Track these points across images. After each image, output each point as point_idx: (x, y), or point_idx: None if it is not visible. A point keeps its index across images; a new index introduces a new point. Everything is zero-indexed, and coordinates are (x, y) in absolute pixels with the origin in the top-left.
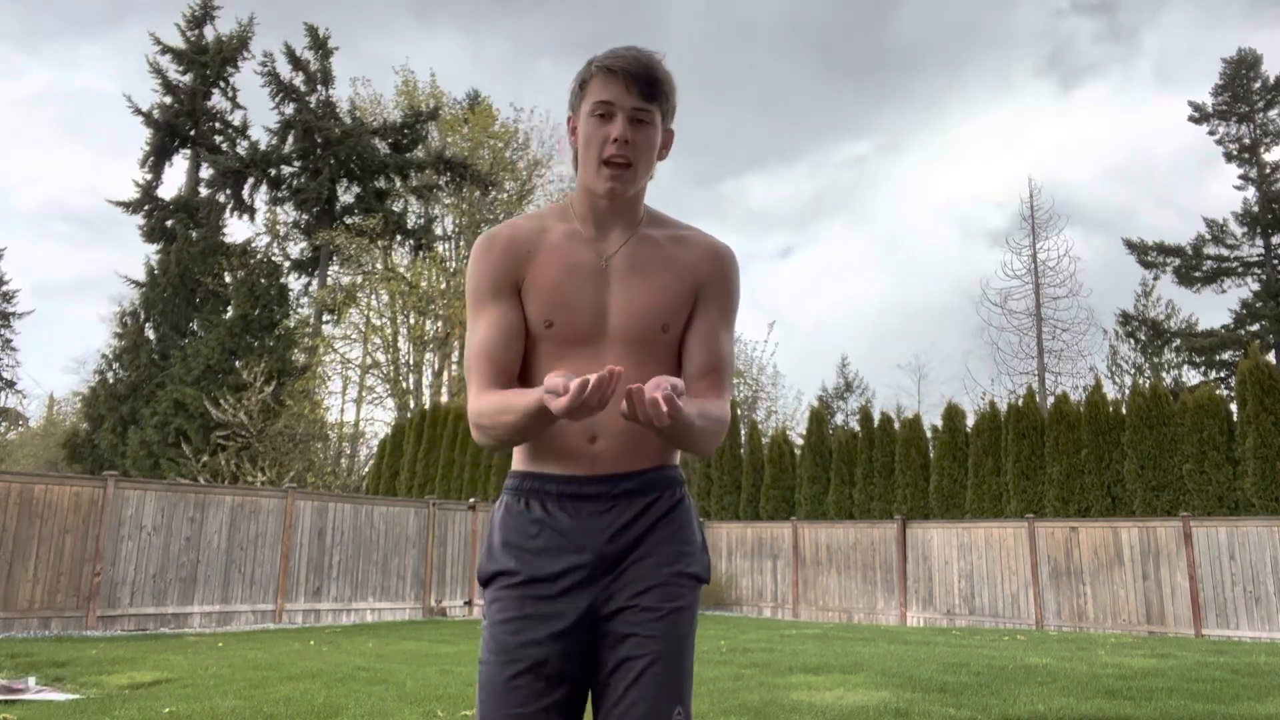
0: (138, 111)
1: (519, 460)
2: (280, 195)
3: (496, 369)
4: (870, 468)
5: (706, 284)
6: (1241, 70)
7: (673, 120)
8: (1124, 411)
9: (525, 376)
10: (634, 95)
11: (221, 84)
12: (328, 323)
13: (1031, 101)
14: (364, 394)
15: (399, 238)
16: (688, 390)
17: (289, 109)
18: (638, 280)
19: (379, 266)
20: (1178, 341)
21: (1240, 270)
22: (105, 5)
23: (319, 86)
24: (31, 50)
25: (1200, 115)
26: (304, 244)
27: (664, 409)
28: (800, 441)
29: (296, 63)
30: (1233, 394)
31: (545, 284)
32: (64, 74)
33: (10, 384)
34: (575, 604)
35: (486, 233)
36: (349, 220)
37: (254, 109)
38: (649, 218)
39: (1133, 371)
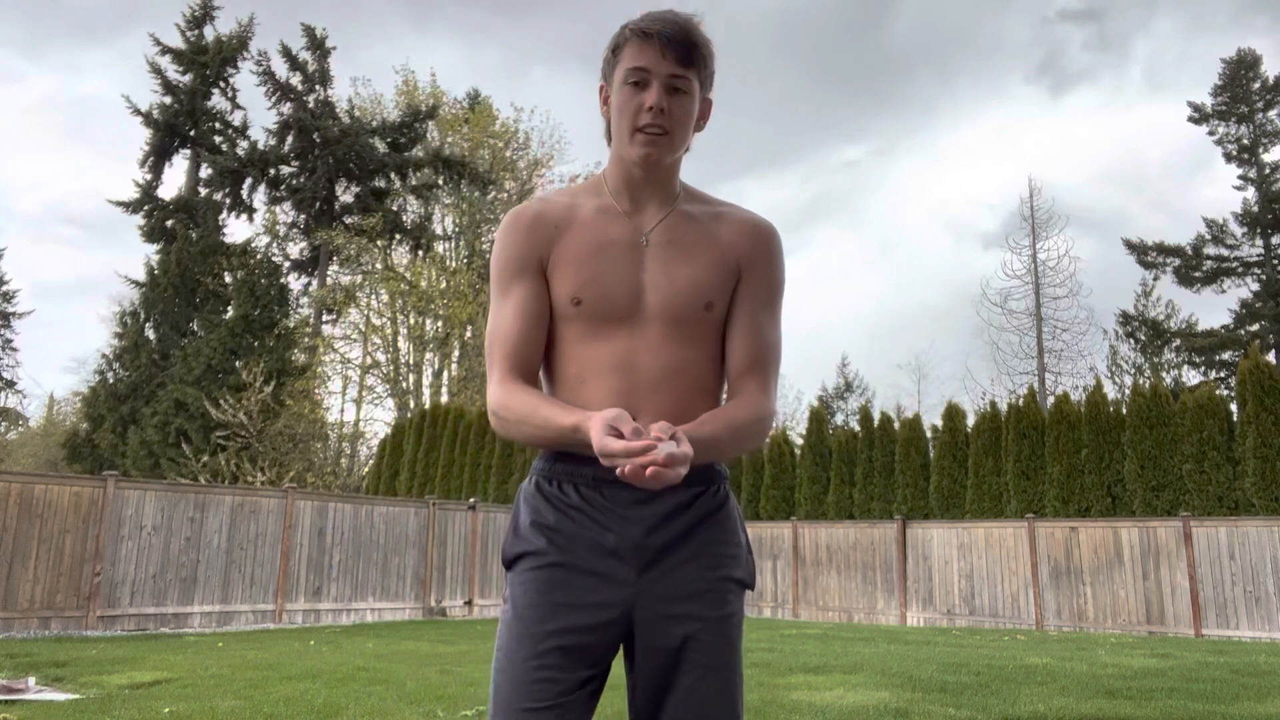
0: (137, 112)
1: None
2: (279, 195)
3: (519, 357)
4: (870, 468)
5: (749, 264)
6: (1241, 71)
7: (711, 89)
8: (1124, 411)
9: (551, 359)
10: (670, 61)
11: (221, 84)
12: (327, 323)
13: (1023, 107)
14: (364, 394)
15: (398, 237)
16: (731, 388)
17: (287, 109)
18: (678, 256)
19: (378, 266)
20: (1178, 341)
21: (1240, 270)
22: (109, 12)
23: (317, 86)
24: (35, 57)
25: (1199, 116)
26: (303, 244)
27: (666, 474)
28: (800, 441)
29: (294, 62)
30: (1233, 394)
31: (573, 260)
32: (68, 80)
33: (10, 384)
34: (609, 595)
35: (514, 208)
36: (348, 220)
37: (254, 109)
38: (686, 193)
39: (1133, 371)
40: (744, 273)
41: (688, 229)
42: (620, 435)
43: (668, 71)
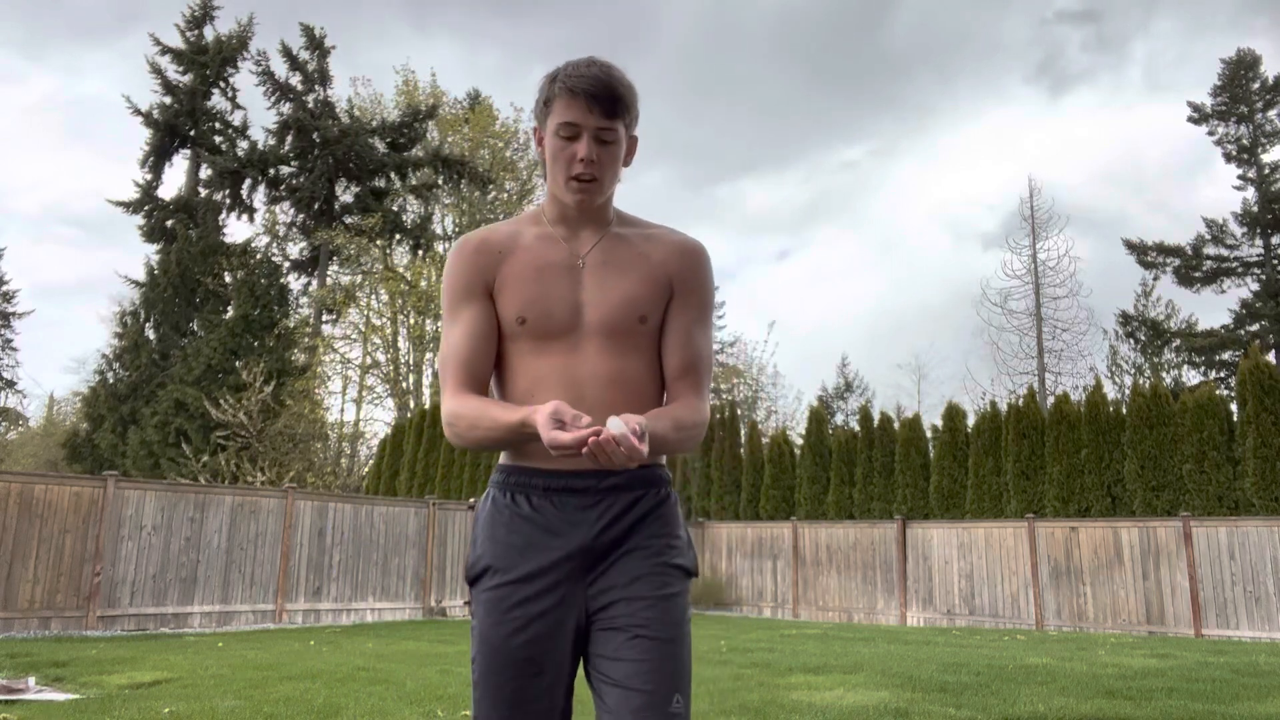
0: (137, 112)
1: (506, 454)
2: (279, 195)
3: (469, 372)
4: (870, 468)
5: (680, 281)
6: (1240, 71)
7: (636, 126)
8: (1124, 411)
9: (502, 375)
10: (597, 115)
11: (221, 84)
12: (327, 323)
13: (1022, 108)
14: (364, 394)
15: (398, 237)
16: (669, 394)
17: (286, 109)
18: (613, 274)
19: (378, 266)
20: (1178, 341)
21: (1240, 270)
22: (109, 13)
23: (316, 86)
24: (36, 57)
25: (1199, 116)
26: (303, 244)
27: (639, 449)
28: (800, 441)
29: (294, 62)
30: (1233, 394)
31: (517, 282)
32: (68, 80)
33: (10, 384)
34: (563, 598)
35: (462, 236)
36: (348, 220)
37: (254, 109)
38: (619, 219)
39: (1133, 371)
40: (676, 289)
41: (620, 250)
42: (563, 424)
43: (595, 125)
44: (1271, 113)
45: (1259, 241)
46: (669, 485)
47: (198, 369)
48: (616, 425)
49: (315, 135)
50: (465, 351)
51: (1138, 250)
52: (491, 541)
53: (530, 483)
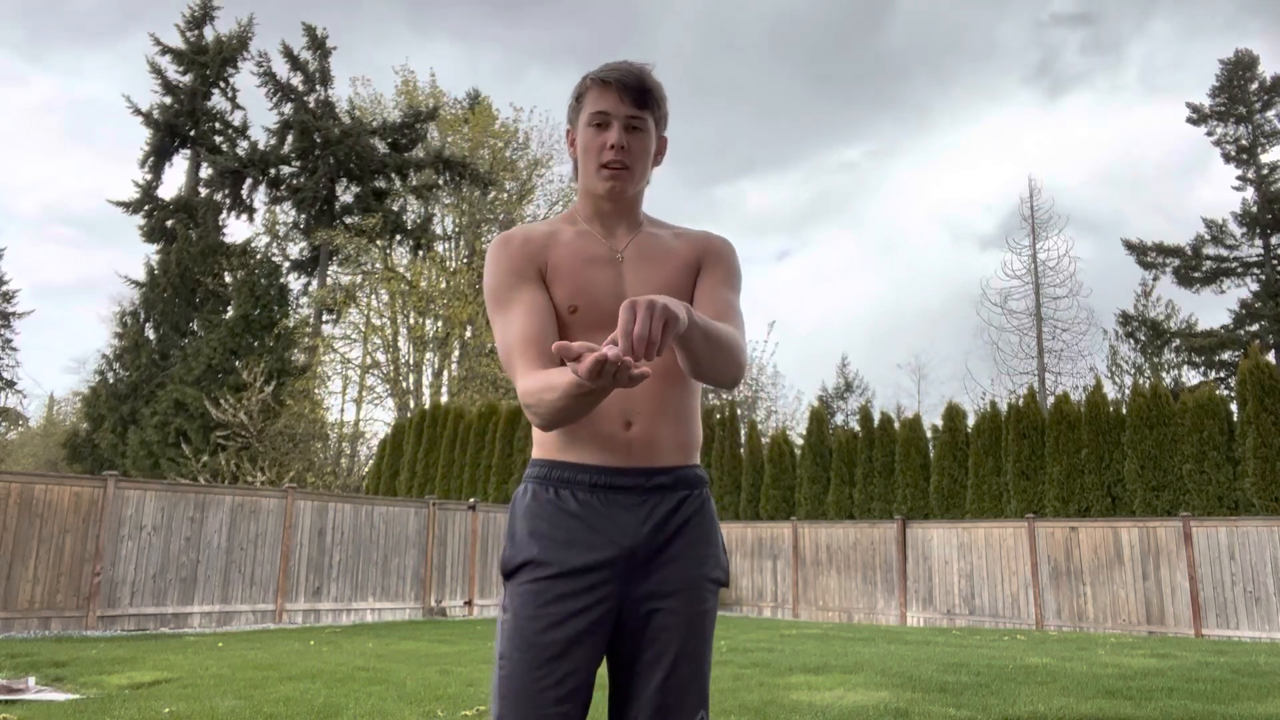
0: (137, 112)
1: (548, 448)
2: (279, 195)
3: (539, 350)
4: (870, 468)
5: (707, 263)
6: (1239, 71)
7: (665, 128)
8: (1124, 411)
9: None
10: (628, 104)
11: (221, 84)
12: (328, 323)
13: (1021, 109)
14: (364, 394)
15: (398, 237)
16: None
17: (287, 109)
18: (649, 267)
19: (379, 266)
20: (1177, 341)
21: (1240, 270)
22: (110, 14)
23: (317, 86)
24: (37, 60)
25: (1198, 116)
26: (303, 244)
27: (661, 323)
28: (800, 441)
29: (295, 62)
30: (1233, 394)
31: (565, 272)
32: (69, 82)
33: (10, 384)
34: (605, 598)
35: (501, 234)
36: (348, 220)
37: (254, 109)
38: (649, 220)
39: (1133, 371)
40: (705, 269)
41: (654, 245)
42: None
43: (626, 113)
44: (1270, 113)
45: (1258, 242)
46: (708, 487)
47: (198, 369)
48: (612, 349)
49: (316, 135)
50: (530, 329)
51: (1137, 250)
52: (533, 535)
53: (575, 478)
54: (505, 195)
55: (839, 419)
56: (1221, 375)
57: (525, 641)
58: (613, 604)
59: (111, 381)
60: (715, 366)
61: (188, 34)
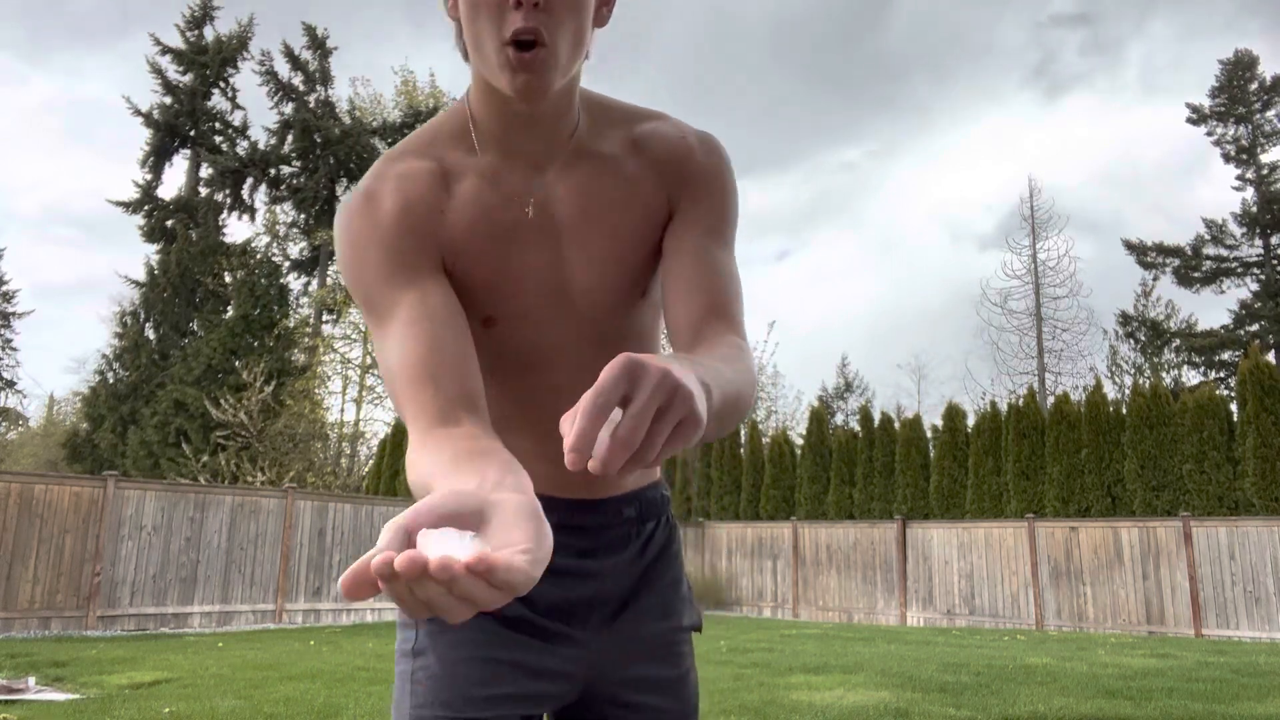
0: (137, 112)
1: None
2: (280, 195)
3: (433, 390)
4: (870, 468)
5: (685, 200)
6: (1238, 72)
7: None
8: (1124, 411)
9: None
10: None
11: (221, 84)
12: (327, 322)
13: (1020, 110)
14: (364, 394)
15: None
16: (694, 339)
17: (288, 109)
18: (594, 227)
19: None
20: (1177, 341)
21: (1239, 270)
22: (110, 15)
23: (318, 86)
24: (37, 60)
25: (1198, 117)
26: (304, 244)
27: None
28: (800, 441)
29: (295, 62)
30: (1233, 394)
31: (472, 258)
32: (69, 83)
33: (10, 384)
34: (565, 662)
35: (358, 191)
36: None
37: (254, 109)
38: (589, 117)
39: (1133, 371)
40: (678, 204)
41: (601, 182)
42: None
43: None
44: (1270, 113)
45: (1258, 242)
46: (670, 505)
47: (198, 369)
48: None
49: (317, 135)
50: (418, 354)
51: (1137, 250)
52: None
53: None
54: None
55: (839, 419)
56: (1221, 375)
57: (455, 696)
58: (579, 675)
59: (111, 381)
60: (723, 430)
61: (188, 34)
